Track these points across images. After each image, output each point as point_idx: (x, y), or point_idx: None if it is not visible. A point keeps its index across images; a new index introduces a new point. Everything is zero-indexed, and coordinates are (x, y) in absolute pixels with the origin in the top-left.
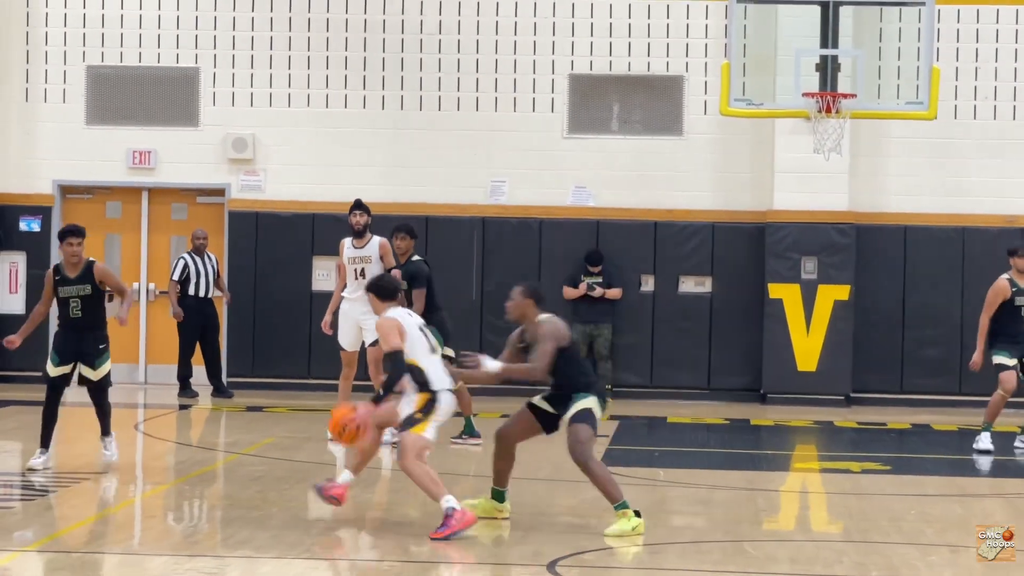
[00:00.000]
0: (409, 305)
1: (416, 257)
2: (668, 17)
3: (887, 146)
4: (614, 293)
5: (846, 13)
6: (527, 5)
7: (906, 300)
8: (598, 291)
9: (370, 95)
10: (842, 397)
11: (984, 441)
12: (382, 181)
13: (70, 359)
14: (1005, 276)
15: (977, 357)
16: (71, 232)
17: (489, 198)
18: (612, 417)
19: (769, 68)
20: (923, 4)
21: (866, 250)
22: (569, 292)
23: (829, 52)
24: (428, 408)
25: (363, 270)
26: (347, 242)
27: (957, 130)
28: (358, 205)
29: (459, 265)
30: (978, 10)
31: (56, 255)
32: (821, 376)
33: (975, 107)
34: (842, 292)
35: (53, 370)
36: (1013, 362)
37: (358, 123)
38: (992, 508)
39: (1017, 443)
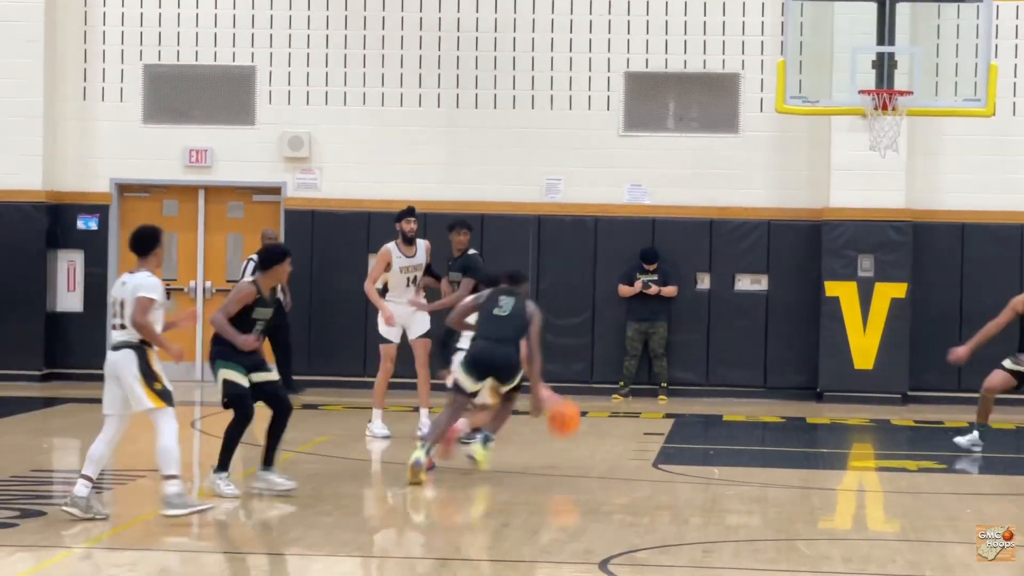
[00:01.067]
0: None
1: (472, 251)
2: (724, 14)
3: (944, 144)
4: (669, 291)
5: (903, 10)
6: (583, 3)
7: (964, 298)
8: (653, 289)
9: (426, 93)
10: (899, 395)
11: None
12: (437, 179)
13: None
14: None
15: None
16: (288, 253)
17: (545, 196)
18: (667, 415)
19: (825, 65)
20: (981, 1)
21: (923, 248)
22: (624, 290)
23: (886, 49)
24: None
25: (415, 277)
26: (393, 249)
27: (1015, 127)
28: (412, 212)
29: (515, 263)
30: None
31: (114, 255)
32: (878, 374)
33: None
34: (899, 290)
35: (244, 379)
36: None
37: (414, 121)
38: None
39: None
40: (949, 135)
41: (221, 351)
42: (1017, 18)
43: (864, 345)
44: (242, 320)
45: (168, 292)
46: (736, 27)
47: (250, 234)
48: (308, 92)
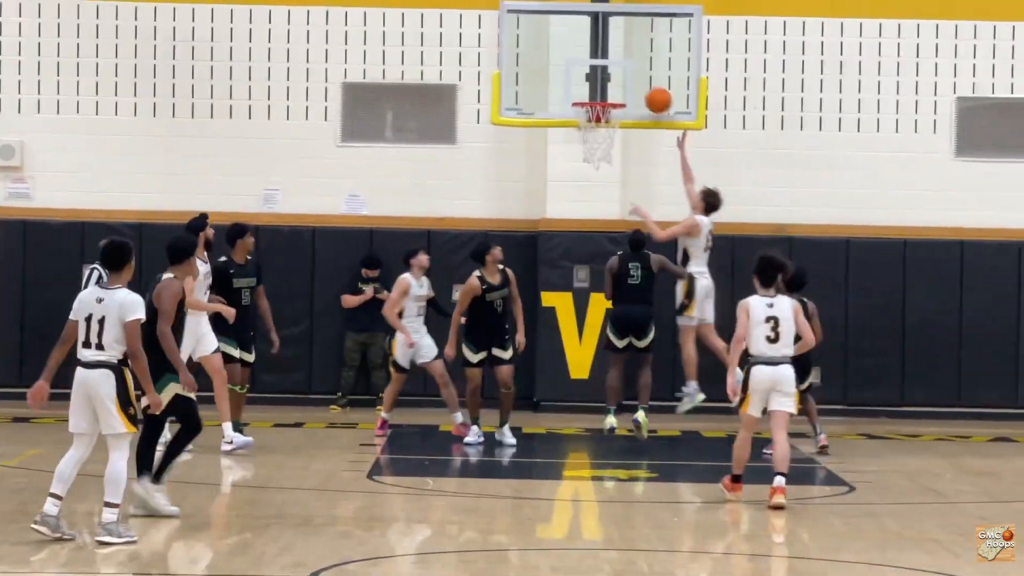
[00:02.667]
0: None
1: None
2: (441, 26)
3: (658, 155)
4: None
5: (616, 23)
6: (300, 13)
7: None
8: (384, 293)
9: (141, 102)
10: (614, 405)
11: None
12: (155, 189)
13: None
14: None
15: None
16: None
17: (262, 206)
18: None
19: (540, 78)
20: (691, 15)
21: None
22: (351, 300)
23: (599, 62)
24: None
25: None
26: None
27: (727, 139)
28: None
29: None
30: (747, 21)
31: None
32: (594, 383)
33: (744, 117)
34: None
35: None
36: None
37: (130, 131)
38: (753, 515)
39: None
40: (663, 147)
41: (163, 363)
42: (728, 32)
43: (580, 355)
44: (178, 319)
45: None
46: (453, 39)
47: None
48: (20, 100)
